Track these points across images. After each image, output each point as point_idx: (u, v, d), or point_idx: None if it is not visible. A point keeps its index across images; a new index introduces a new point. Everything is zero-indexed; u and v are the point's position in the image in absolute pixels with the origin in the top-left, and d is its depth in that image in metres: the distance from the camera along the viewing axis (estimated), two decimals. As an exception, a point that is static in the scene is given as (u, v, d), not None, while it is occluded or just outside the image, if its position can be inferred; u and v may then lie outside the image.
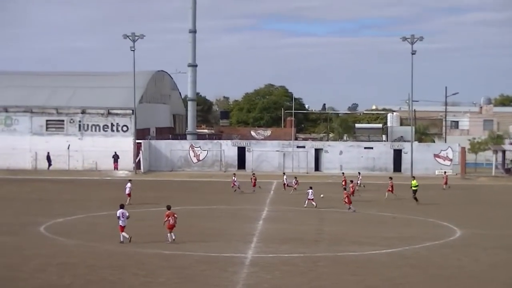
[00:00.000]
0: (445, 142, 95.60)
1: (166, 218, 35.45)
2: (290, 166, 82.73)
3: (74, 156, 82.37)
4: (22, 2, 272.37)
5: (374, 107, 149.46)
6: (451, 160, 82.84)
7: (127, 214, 35.81)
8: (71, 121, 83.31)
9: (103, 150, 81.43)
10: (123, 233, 35.17)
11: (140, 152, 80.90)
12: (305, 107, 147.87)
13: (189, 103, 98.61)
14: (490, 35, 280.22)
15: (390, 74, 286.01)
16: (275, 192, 61.94)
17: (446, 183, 67.91)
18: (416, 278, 28.65)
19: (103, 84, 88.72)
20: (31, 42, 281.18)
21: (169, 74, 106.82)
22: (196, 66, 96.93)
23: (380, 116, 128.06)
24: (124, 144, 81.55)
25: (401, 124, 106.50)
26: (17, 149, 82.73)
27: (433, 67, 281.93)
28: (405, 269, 30.32)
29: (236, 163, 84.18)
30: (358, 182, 64.49)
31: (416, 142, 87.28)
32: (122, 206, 36.27)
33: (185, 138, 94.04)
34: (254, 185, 62.22)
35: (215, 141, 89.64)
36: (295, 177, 62.70)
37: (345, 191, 50.45)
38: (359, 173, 68.89)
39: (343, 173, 70.72)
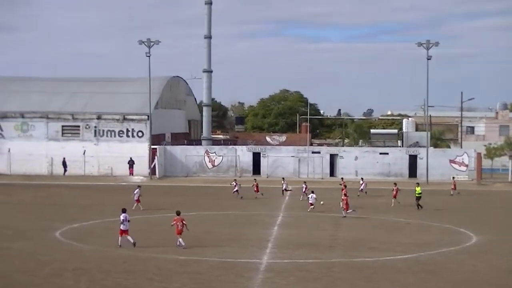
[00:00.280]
0: (461, 147, 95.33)
1: (174, 223, 35.55)
2: (305, 171, 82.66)
3: (89, 161, 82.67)
4: (38, 7, 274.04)
5: (389, 113, 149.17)
6: (466, 165, 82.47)
7: (128, 218, 36.17)
8: (87, 126, 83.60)
9: (118, 156, 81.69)
10: (128, 237, 35.47)
11: (156, 157, 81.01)
12: (320, 112, 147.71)
13: (204, 108, 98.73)
14: (506, 40, 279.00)
15: (406, 79, 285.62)
16: (290, 197, 61.82)
17: (454, 189, 67.30)
18: (431, 284, 28.56)
19: (118, 90, 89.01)
20: (46, 47, 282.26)
21: (184, 80, 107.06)
22: (211, 71, 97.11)
23: (395, 122, 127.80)
24: (140, 149, 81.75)
25: (417, 130, 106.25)
26: (33, 155, 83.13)
27: (449, 72, 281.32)
28: (421, 275, 30.20)
29: (251, 168, 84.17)
30: (362, 188, 64.15)
31: (432, 147, 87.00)
32: (124, 210, 36.54)
33: (200, 144, 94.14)
34: (257, 191, 61.77)
35: (230, 146, 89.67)
36: (304, 182, 62.43)
37: (345, 197, 50.12)
38: (362, 178, 68.30)
39: (342, 178, 70.32)
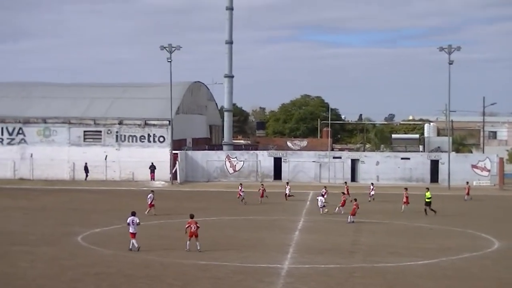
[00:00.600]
0: (483, 152, 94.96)
1: (188, 225, 35.75)
2: (326, 176, 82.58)
3: (111, 166, 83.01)
4: (61, 14, 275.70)
5: (411, 118, 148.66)
6: (489, 170, 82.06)
7: (137, 221, 36.39)
8: (109, 132, 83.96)
9: (140, 161, 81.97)
10: (133, 240, 35.79)
11: (177, 162, 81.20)
12: (341, 117, 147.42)
13: (226, 113, 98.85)
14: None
15: (427, 84, 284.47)
16: (311, 202, 61.73)
17: (468, 194, 66.79)
18: (453, 290, 28.45)
19: (140, 95, 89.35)
20: (68, 53, 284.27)
21: (205, 85, 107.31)
22: (232, 77, 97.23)
23: (417, 127, 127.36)
24: (161, 154, 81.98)
25: (438, 135, 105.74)
26: (55, 160, 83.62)
27: (471, 77, 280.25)
28: (443, 280, 30.07)
29: (272, 173, 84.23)
30: (371, 193, 63.73)
31: (454, 152, 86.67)
32: (133, 214, 36.78)
33: (222, 149, 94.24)
34: (262, 196, 61.47)
35: (251, 151, 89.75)
36: (325, 187, 62.22)
37: (355, 202, 49.71)
38: (372, 184, 67.90)
39: (345, 182, 69.68)
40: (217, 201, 62.32)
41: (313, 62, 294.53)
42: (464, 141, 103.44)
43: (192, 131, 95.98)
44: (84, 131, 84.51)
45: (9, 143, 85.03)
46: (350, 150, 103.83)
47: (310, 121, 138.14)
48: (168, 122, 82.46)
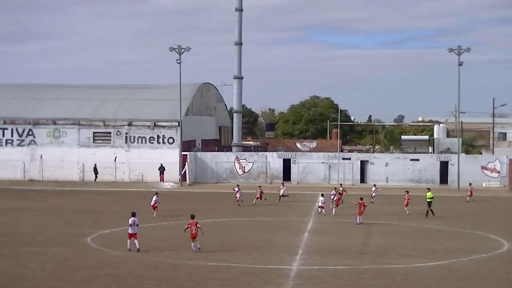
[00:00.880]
0: (493, 154, 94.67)
1: (188, 226, 35.87)
2: (335, 178, 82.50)
3: (120, 168, 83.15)
4: (70, 15, 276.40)
5: (420, 119, 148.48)
6: (498, 172, 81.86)
7: (137, 222, 36.53)
8: (118, 133, 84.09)
9: (149, 162, 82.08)
10: (135, 240, 35.99)
11: (186, 164, 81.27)
12: (350, 119, 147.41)
13: (235, 115, 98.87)
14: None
15: (437, 85, 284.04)
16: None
17: (471, 195, 66.51)
18: (463, 291, 28.40)
19: (149, 96, 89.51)
20: (77, 55, 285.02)
21: (215, 86, 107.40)
22: (241, 78, 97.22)
23: (426, 128, 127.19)
24: (170, 156, 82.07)
25: (448, 136, 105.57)
26: (65, 161, 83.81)
27: (481, 78, 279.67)
28: (453, 282, 30.01)
29: (281, 175, 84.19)
30: (373, 194, 63.47)
31: (463, 154, 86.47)
32: (134, 214, 36.89)
33: (231, 150, 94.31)
34: (259, 198, 60.77)
35: (261, 153, 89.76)
36: (335, 188, 61.95)
37: (360, 201, 49.50)
38: (374, 185, 67.62)
39: (341, 184, 68.90)
40: (226, 202, 62.30)
41: (322, 63, 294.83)
42: (473, 142, 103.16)
43: (201, 133, 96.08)
44: (94, 133, 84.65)
45: (19, 145, 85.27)
46: (359, 151, 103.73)
47: (320, 122, 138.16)
48: (177, 123, 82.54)
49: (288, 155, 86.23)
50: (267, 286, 28.81)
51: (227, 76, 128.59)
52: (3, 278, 29.86)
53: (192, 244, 35.76)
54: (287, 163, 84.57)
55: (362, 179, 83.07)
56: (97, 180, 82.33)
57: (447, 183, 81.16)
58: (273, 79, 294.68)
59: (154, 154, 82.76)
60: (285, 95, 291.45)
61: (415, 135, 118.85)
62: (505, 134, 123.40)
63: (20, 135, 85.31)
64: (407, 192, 56.46)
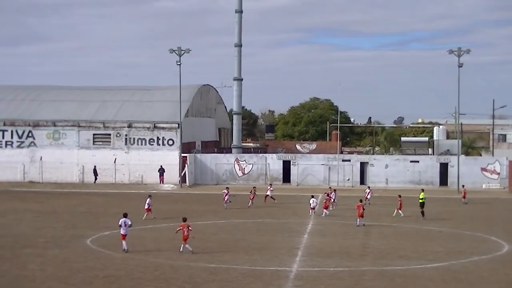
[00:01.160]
0: (493, 155, 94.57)
1: (180, 228, 36.04)
2: (335, 179, 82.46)
3: (120, 169, 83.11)
4: (72, 17, 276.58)
5: (420, 121, 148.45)
6: (498, 173, 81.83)
7: (129, 223, 36.98)
8: (118, 135, 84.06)
9: (149, 164, 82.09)
10: (123, 242, 36.43)
11: (186, 165, 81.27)
12: (350, 120, 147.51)
13: (235, 116, 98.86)
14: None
15: (437, 87, 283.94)
16: (320, 205, 61.69)
17: (464, 197, 66.44)
18: (463, 293, 28.38)
19: (149, 98, 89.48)
20: (79, 57, 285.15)
21: (214, 88, 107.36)
22: (241, 80, 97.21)
23: (426, 130, 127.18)
24: (170, 157, 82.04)
25: (448, 138, 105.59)
26: (64, 163, 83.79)
27: (481, 80, 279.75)
28: (453, 284, 30.03)
29: (281, 176, 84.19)
30: (368, 196, 63.23)
31: (463, 155, 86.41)
32: (125, 215, 37.25)
33: (231, 152, 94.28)
34: (252, 199, 60.77)
35: (260, 154, 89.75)
36: (334, 190, 62.09)
37: (360, 203, 49.66)
38: (368, 187, 67.44)
39: (330, 187, 67.43)
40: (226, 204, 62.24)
41: (322, 65, 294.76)
42: (473, 144, 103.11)
43: (201, 134, 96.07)
44: (94, 134, 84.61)
45: (18, 146, 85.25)
46: (359, 153, 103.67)
47: (319, 124, 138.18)
48: (177, 125, 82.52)
49: (288, 156, 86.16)
50: (267, 287, 28.80)
51: (227, 78, 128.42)
52: (3, 279, 29.88)
53: (182, 246, 36.03)
54: (287, 165, 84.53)
55: (362, 181, 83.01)
56: (96, 182, 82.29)
57: (447, 184, 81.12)
58: (274, 81, 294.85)
59: (154, 156, 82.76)
60: (285, 96, 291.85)
61: (415, 136, 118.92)
62: (505, 135, 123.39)
63: (20, 137, 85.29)
64: (399, 196, 56.48)
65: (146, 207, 51.55)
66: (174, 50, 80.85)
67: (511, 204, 67.26)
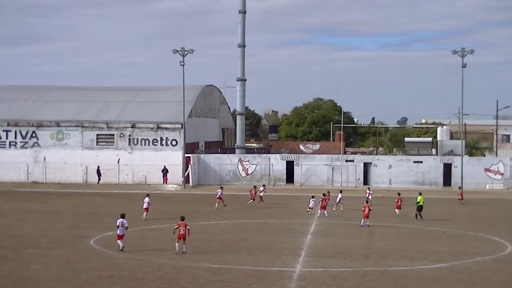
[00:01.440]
0: (496, 156, 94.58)
1: (178, 227, 36.09)
2: (338, 180, 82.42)
3: (123, 170, 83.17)
4: (74, 17, 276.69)
5: (423, 121, 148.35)
6: (502, 174, 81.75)
7: (126, 224, 37.16)
8: (121, 135, 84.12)
9: (152, 164, 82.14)
10: (119, 241, 36.74)
11: (189, 166, 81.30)
12: (354, 121, 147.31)
13: (238, 117, 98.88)
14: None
15: (440, 87, 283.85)
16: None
17: (461, 199, 65.94)
18: (466, 294, 28.36)
19: (152, 98, 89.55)
20: (80, 57, 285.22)
21: (218, 88, 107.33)
22: (245, 80, 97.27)
23: (430, 130, 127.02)
24: (173, 158, 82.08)
25: (451, 138, 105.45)
26: (68, 163, 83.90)
27: (484, 80, 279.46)
28: (456, 284, 30.00)
29: (284, 177, 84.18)
30: (369, 197, 63.13)
31: (467, 156, 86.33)
32: (123, 216, 37.49)
33: (234, 152, 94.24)
34: (252, 199, 60.77)
35: (264, 155, 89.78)
36: (340, 191, 62.02)
37: (366, 204, 49.81)
38: (368, 188, 67.45)
39: (328, 192, 66.09)
40: (230, 204, 62.23)
41: (325, 65, 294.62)
42: (477, 144, 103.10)
43: (205, 135, 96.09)
44: (97, 135, 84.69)
45: (22, 147, 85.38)
46: (362, 153, 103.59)
47: (323, 124, 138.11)
48: (180, 125, 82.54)
49: (291, 157, 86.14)
50: (270, 288, 28.86)
51: (231, 78, 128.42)
52: (7, 280, 29.91)
53: (176, 244, 36.00)
54: (290, 165, 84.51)
55: (365, 181, 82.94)
56: (100, 182, 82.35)
57: (450, 185, 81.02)
58: (277, 81, 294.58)
59: (157, 156, 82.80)
60: (289, 97, 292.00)
61: (418, 137, 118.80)
62: (508, 136, 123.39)
63: (23, 137, 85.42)
64: (399, 194, 56.57)
65: (145, 206, 51.51)
66: (177, 51, 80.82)
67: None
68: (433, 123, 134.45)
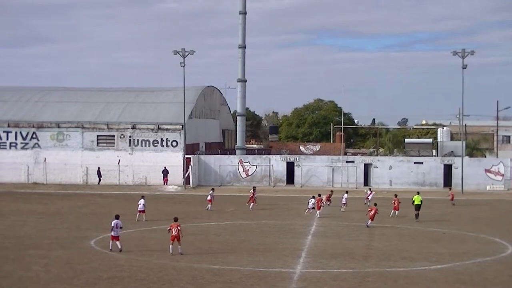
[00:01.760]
0: (497, 157, 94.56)
1: (170, 228, 36.10)
2: (339, 181, 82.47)
3: (124, 171, 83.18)
4: (76, 19, 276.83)
5: (424, 122, 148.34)
6: (502, 175, 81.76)
7: (121, 225, 37.36)
8: (122, 136, 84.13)
9: (152, 165, 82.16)
10: (117, 242, 36.82)
11: (190, 167, 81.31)
12: (354, 122, 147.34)
13: (238, 118, 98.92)
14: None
15: (441, 88, 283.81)
16: (323, 207, 61.65)
17: (452, 199, 66.07)
18: (467, 295, 28.35)
19: (153, 99, 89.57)
20: (83, 58, 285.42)
21: (218, 89, 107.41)
22: (245, 81, 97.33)
23: (430, 131, 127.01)
24: (174, 159, 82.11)
25: (452, 139, 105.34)
26: (68, 164, 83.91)
27: (485, 81, 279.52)
28: (456, 285, 29.99)
29: (285, 178, 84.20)
30: (369, 197, 63.16)
31: (467, 157, 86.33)
32: (117, 217, 37.59)
33: (234, 153, 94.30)
34: (251, 201, 60.35)
35: (264, 156, 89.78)
36: (346, 192, 62.08)
37: (373, 206, 49.91)
38: (369, 189, 67.39)
39: (331, 191, 65.74)
40: (230, 206, 62.24)
41: (326, 66, 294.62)
42: (477, 145, 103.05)
43: (205, 136, 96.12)
44: (97, 136, 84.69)
45: (23, 148, 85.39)
46: (363, 154, 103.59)
47: (323, 125, 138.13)
48: (181, 126, 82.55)
49: (291, 158, 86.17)
50: (270, 289, 28.85)
51: (231, 79, 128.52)
52: (7, 281, 29.91)
53: (171, 246, 35.97)
54: (290, 166, 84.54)
55: (366, 182, 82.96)
56: (100, 183, 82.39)
57: (450, 186, 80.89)
58: (277, 82, 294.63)
59: (157, 157, 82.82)
60: (289, 98, 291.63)
61: (419, 138, 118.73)
62: (509, 137, 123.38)
63: (24, 138, 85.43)
64: (396, 195, 56.62)
65: (141, 208, 51.39)
66: (178, 52, 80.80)
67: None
68: (434, 124, 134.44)
